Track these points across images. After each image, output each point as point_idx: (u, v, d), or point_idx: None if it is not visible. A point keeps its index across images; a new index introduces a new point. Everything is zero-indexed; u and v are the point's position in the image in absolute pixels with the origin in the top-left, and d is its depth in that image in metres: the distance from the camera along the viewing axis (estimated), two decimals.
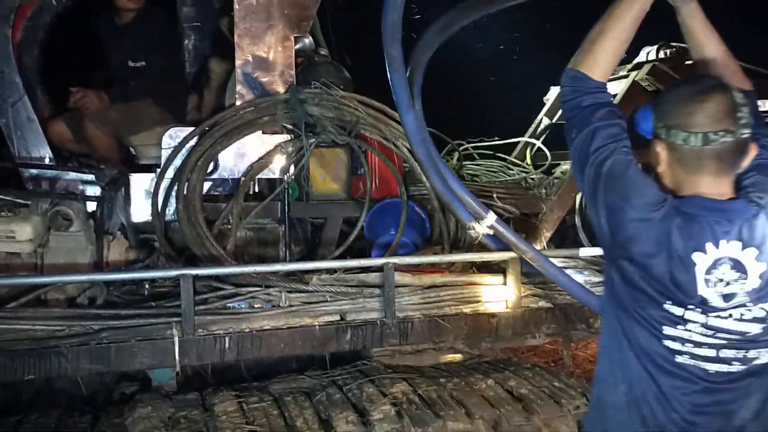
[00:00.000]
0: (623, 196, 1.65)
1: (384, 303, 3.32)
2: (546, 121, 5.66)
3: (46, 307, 3.24)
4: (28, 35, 4.06)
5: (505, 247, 3.34)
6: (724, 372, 1.63)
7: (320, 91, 3.95)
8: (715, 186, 1.65)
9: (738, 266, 1.59)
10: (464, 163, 5.38)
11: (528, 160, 5.49)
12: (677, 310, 1.62)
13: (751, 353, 1.63)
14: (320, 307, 3.31)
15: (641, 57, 4.93)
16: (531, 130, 5.75)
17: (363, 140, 4.00)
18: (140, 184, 3.88)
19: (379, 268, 3.38)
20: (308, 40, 4.34)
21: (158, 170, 3.84)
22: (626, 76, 4.75)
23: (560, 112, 5.64)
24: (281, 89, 3.97)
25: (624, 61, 5.06)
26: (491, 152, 5.54)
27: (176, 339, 3.03)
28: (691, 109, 1.61)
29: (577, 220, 5.13)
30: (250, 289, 3.34)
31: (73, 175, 3.85)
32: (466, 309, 3.50)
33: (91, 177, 3.78)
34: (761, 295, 1.61)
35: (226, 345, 3.12)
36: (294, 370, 3.70)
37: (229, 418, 3.03)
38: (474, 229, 3.16)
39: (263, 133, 3.93)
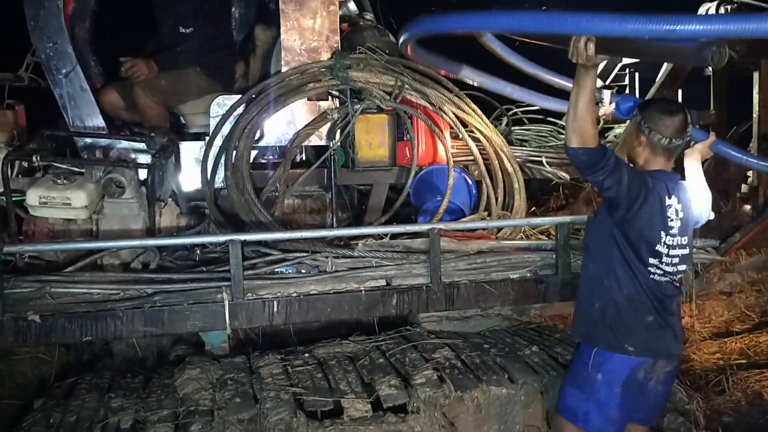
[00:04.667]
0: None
1: (430, 268, 3.32)
2: (598, 83, 5.50)
3: (101, 271, 3.37)
4: (79, 6, 4.13)
5: None
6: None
7: (365, 56, 3.92)
8: (666, 165, 2.72)
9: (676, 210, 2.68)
10: (513, 128, 5.28)
11: None
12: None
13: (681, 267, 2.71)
14: (366, 272, 3.34)
15: (700, 13, 4.70)
16: None
17: (409, 106, 3.96)
18: (190, 152, 3.95)
19: (425, 234, 3.37)
20: (352, 5, 4.31)
21: (207, 138, 3.90)
22: None
23: (613, 74, 5.49)
24: (326, 55, 3.95)
25: None
26: (541, 116, 5.43)
27: (226, 302, 3.10)
28: (665, 123, 2.64)
29: None
30: (297, 254, 3.39)
31: (125, 143, 3.93)
32: (513, 275, 3.47)
33: (142, 145, 3.85)
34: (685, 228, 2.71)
35: (275, 309, 3.19)
36: (342, 336, 3.74)
37: (275, 381, 3.10)
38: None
39: (309, 99, 3.94)
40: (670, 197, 2.66)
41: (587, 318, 2.78)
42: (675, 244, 2.66)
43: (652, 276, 2.66)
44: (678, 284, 2.74)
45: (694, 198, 2.81)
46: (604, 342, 2.70)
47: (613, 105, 3.23)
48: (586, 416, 2.72)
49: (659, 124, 2.63)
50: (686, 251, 2.72)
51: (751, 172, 4.52)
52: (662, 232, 2.63)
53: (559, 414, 2.82)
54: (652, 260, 2.65)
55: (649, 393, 2.74)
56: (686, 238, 2.71)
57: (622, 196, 2.56)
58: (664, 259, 2.65)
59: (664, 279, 2.68)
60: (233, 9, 4.64)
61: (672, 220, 2.66)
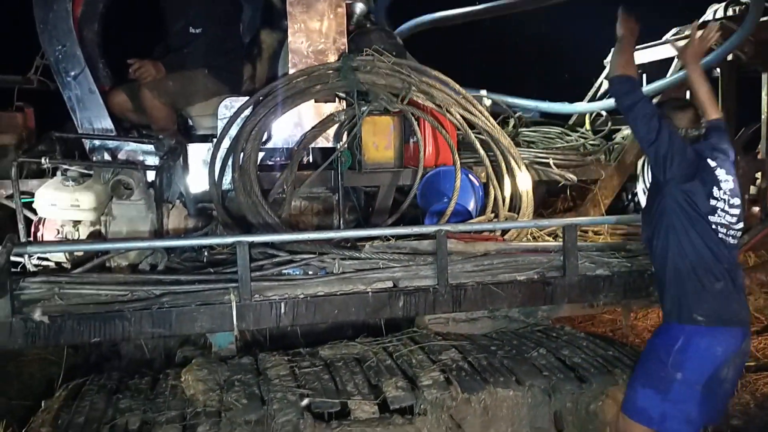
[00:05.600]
0: None
1: (437, 270, 3.31)
2: (606, 85, 5.49)
3: (110, 273, 3.38)
4: (88, 9, 4.15)
5: None
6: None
7: (372, 58, 3.92)
8: None
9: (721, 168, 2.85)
10: (521, 129, 5.27)
11: (587, 125, 5.34)
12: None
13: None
14: (373, 274, 3.34)
15: (708, 15, 4.69)
16: (590, 94, 5.59)
17: (416, 107, 3.97)
18: (197, 153, 3.97)
19: (432, 236, 3.37)
20: (360, 7, 4.31)
21: (215, 140, 3.91)
22: None
23: None
24: (333, 57, 3.96)
25: (689, 20, 4.84)
26: (547, 119, 5.42)
27: (234, 304, 3.10)
28: (680, 116, 2.92)
29: (639, 188, 4.98)
30: (304, 256, 3.39)
31: (133, 145, 3.95)
32: (521, 276, 3.46)
33: (150, 147, 3.87)
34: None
35: (282, 310, 3.18)
36: (349, 337, 3.75)
37: (282, 382, 3.10)
38: None
39: (316, 101, 3.95)
40: (712, 159, 2.81)
41: (665, 296, 2.86)
42: (728, 198, 2.76)
43: (717, 233, 2.74)
44: (737, 241, 2.85)
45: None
46: (674, 316, 2.78)
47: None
48: (662, 417, 2.75)
49: (676, 119, 2.89)
50: (741, 209, 2.83)
51: (760, 173, 4.50)
52: (715, 188, 2.75)
53: (628, 416, 2.85)
54: (712, 217, 2.74)
55: (723, 381, 2.78)
56: (738, 198, 2.82)
57: (664, 143, 2.71)
58: (720, 212, 2.74)
59: (729, 236, 2.76)
60: (242, 12, 4.66)
61: (721, 177, 2.77)
